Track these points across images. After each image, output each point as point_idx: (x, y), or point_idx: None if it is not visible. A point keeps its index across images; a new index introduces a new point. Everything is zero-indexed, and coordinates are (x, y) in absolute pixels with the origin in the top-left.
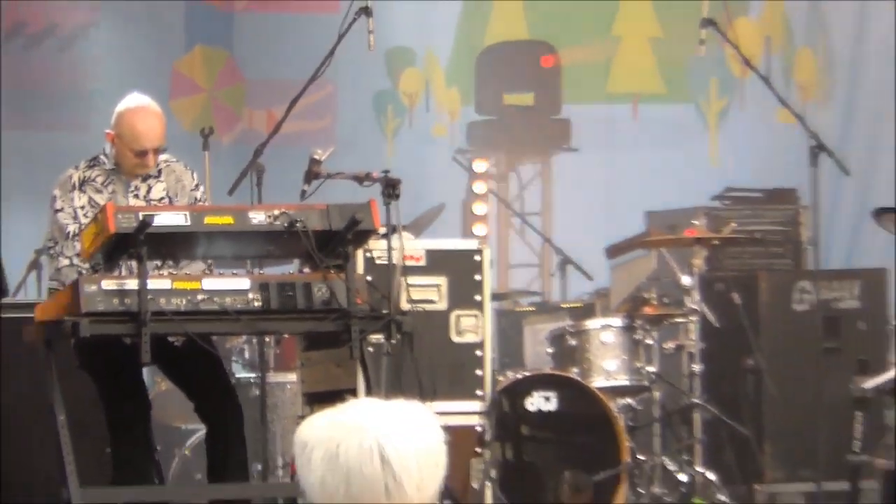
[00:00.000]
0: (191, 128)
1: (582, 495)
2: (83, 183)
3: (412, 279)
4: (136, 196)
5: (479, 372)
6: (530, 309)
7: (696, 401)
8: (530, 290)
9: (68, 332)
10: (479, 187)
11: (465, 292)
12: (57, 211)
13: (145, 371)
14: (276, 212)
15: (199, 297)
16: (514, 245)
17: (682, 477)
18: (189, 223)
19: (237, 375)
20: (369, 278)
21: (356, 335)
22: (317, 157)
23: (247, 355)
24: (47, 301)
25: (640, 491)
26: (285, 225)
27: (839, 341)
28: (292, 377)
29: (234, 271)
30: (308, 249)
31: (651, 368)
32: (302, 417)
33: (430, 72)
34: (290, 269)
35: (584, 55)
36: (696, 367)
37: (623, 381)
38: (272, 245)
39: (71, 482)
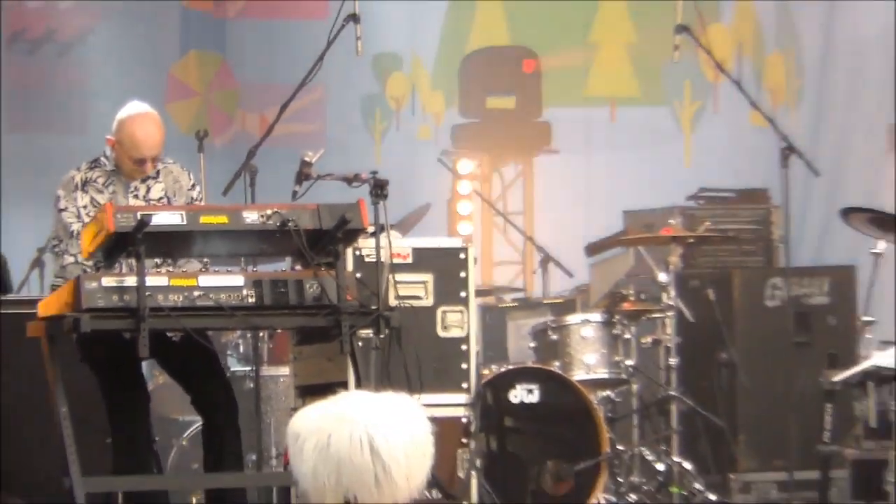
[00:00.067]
0: (186, 130)
1: (563, 484)
2: (85, 183)
3: (399, 276)
4: (136, 196)
5: (464, 365)
6: (513, 305)
7: (673, 393)
8: (513, 286)
9: (70, 328)
10: (464, 187)
11: (450, 289)
12: (61, 210)
13: (144, 365)
14: (269, 211)
15: (196, 293)
16: (498, 243)
17: (660, 466)
18: (185, 222)
19: (232, 369)
20: (358, 275)
21: (346, 330)
22: (307, 158)
23: (241, 350)
24: (49, 297)
25: (620, 480)
26: (278, 224)
27: (809, 336)
28: (285, 371)
29: (229, 269)
30: (299, 248)
31: (629, 362)
32: (295, 409)
33: (415, 76)
34: (282, 266)
35: (563, 60)
36: (673, 361)
37: (602, 374)
38: (265, 243)
39: (73, 471)
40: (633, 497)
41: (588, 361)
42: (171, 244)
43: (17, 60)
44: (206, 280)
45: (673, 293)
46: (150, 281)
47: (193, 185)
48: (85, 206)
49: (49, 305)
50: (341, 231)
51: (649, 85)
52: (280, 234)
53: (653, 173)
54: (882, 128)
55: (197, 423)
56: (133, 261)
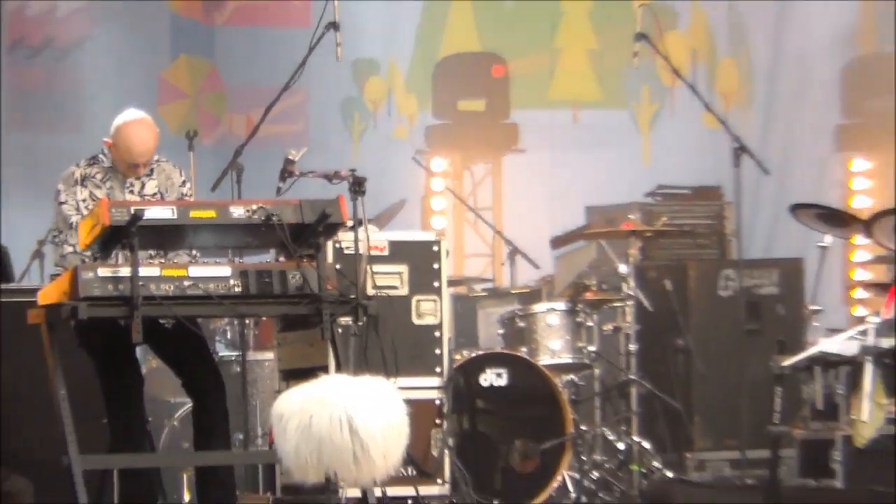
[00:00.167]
0: (177, 131)
1: (530, 462)
2: (84, 179)
3: (377, 267)
4: (132, 192)
5: (437, 351)
6: (483, 294)
7: (632, 377)
8: (483, 277)
9: (68, 315)
10: (437, 185)
11: (424, 279)
12: (61, 203)
13: (138, 350)
14: (254, 206)
15: (186, 283)
16: (468, 237)
17: (620, 445)
18: (176, 217)
19: (220, 354)
20: (338, 266)
21: (327, 318)
22: (291, 157)
23: (229, 336)
24: (48, 286)
25: (583, 458)
26: (262, 218)
27: (760, 324)
28: (270, 356)
29: (217, 260)
30: (283, 240)
31: (592, 348)
32: (279, 392)
33: (391, 81)
34: (267, 258)
35: (529, 66)
36: (632, 347)
37: (567, 359)
38: (251, 236)
39: (71, 450)
40: (595, 474)
41: (553, 347)
42: (163, 237)
43: (18, 65)
44: (195, 271)
45: (632, 283)
46: (144, 271)
47: (184, 182)
48: (84, 200)
49: (48, 294)
50: (322, 225)
51: (610, 89)
52: (265, 228)
53: (613, 171)
54: (828, 129)
55: (187, 404)
56: (127, 252)
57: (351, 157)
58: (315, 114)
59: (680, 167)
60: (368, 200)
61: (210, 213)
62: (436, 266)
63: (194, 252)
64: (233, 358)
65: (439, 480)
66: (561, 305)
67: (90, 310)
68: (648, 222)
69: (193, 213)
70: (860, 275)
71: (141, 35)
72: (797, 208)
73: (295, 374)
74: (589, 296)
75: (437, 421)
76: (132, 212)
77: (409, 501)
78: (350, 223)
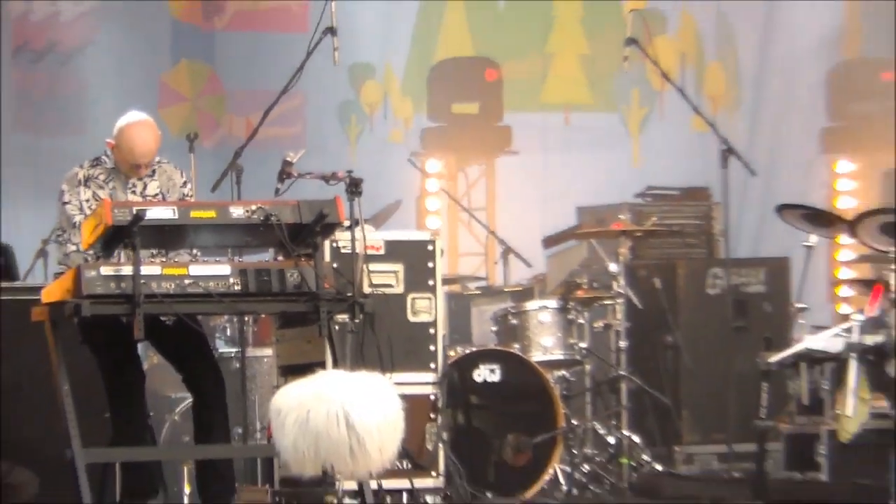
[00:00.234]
0: (178, 133)
1: (523, 456)
2: (87, 179)
3: (373, 266)
4: (134, 192)
5: (432, 347)
6: (477, 292)
7: (623, 373)
8: (477, 275)
9: (71, 313)
10: (432, 185)
11: (419, 278)
12: (65, 203)
13: (139, 346)
14: (254, 207)
15: (187, 281)
16: (463, 236)
17: (611, 439)
18: (177, 217)
19: (220, 350)
20: (335, 265)
21: (324, 315)
22: (289, 159)
23: (228, 332)
24: (52, 285)
25: (574, 451)
26: (261, 218)
27: (747, 321)
28: (268, 352)
29: (217, 259)
30: (281, 240)
31: (583, 344)
32: (277, 387)
33: (387, 84)
34: (265, 257)
35: (522, 70)
36: (622, 344)
37: (558, 355)
38: (250, 236)
39: (74, 443)
40: (586, 467)
41: (545, 344)
42: (164, 236)
43: (22, 69)
44: (195, 269)
45: (622, 282)
46: (145, 270)
47: (185, 183)
48: (87, 200)
49: (52, 292)
50: (319, 225)
51: (600, 92)
52: (263, 228)
53: (604, 173)
54: (814, 132)
55: (188, 399)
56: (129, 251)
57: (348, 159)
58: (313, 117)
59: (669, 169)
60: (365, 201)
61: (210, 214)
62: (430, 265)
63: (195, 251)
64: (232, 354)
65: (434, 473)
66: (553, 303)
67: (93, 307)
68: (638, 222)
69: (194, 214)
70: (845, 273)
71: (142, 39)
72: (783, 209)
73: (293, 370)
74: (580, 294)
75: (432, 415)
76: (134, 212)
77: (405, 494)
78: (347, 223)
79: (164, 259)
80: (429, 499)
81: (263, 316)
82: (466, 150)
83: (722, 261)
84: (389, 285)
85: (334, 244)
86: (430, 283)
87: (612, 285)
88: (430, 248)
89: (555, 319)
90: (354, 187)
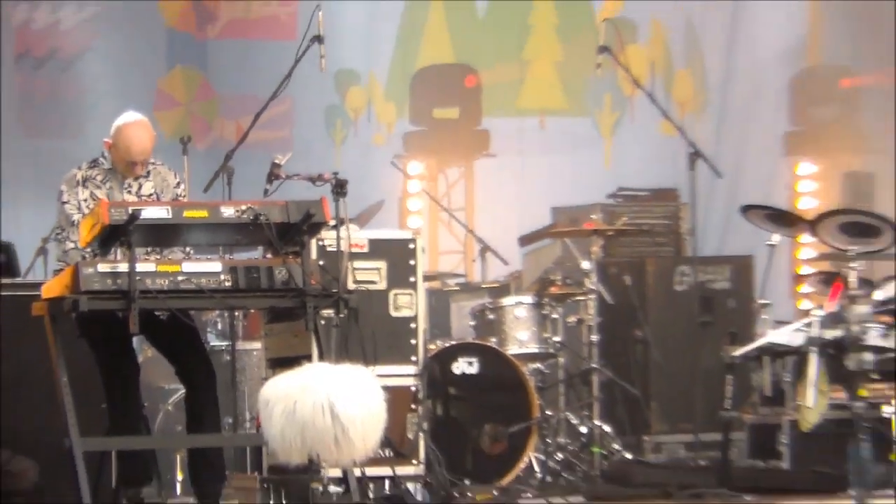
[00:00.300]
0: (172, 136)
1: (499, 444)
2: (85, 180)
3: (357, 263)
4: (130, 192)
5: (413, 341)
6: (456, 288)
7: (594, 365)
8: (456, 272)
9: (70, 308)
10: (413, 187)
11: (401, 274)
12: (64, 203)
13: (134, 340)
14: (244, 207)
15: (180, 278)
16: (442, 235)
17: (583, 429)
18: (171, 216)
19: (211, 344)
20: (321, 263)
21: (310, 310)
22: (277, 161)
23: (219, 327)
24: (51, 281)
25: (548, 441)
26: (251, 218)
27: (713, 316)
28: (257, 345)
29: (209, 256)
30: (270, 238)
31: (556, 338)
32: (265, 379)
33: (371, 90)
34: (255, 254)
35: (499, 76)
36: (594, 338)
37: (533, 348)
38: (240, 235)
39: (72, 433)
40: (559, 456)
41: (521, 338)
42: (158, 235)
43: (25, 75)
44: (188, 266)
45: (594, 279)
46: (140, 267)
47: (178, 184)
48: (85, 200)
49: (51, 288)
50: (306, 224)
51: (574, 97)
52: (253, 227)
53: (577, 175)
54: (777, 136)
55: (180, 390)
56: (125, 249)
57: (333, 162)
58: (300, 121)
59: (639, 171)
60: (349, 201)
61: (202, 213)
62: (412, 262)
63: (188, 249)
64: (223, 347)
65: (414, 461)
66: (528, 299)
67: (90, 302)
68: (610, 222)
69: (187, 213)
70: (806, 271)
71: (139, 47)
72: (747, 209)
73: (281, 363)
74: (554, 290)
75: (413, 406)
76: (130, 211)
77: (387, 481)
78: (332, 222)
79: (158, 257)
80: (410, 485)
81: (253, 311)
82: (446, 153)
83: (689, 259)
84: (373, 282)
85: (320, 242)
86: (412, 279)
87: (585, 282)
88: (411, 246)
89: (530, 314)
90: (340, 188)
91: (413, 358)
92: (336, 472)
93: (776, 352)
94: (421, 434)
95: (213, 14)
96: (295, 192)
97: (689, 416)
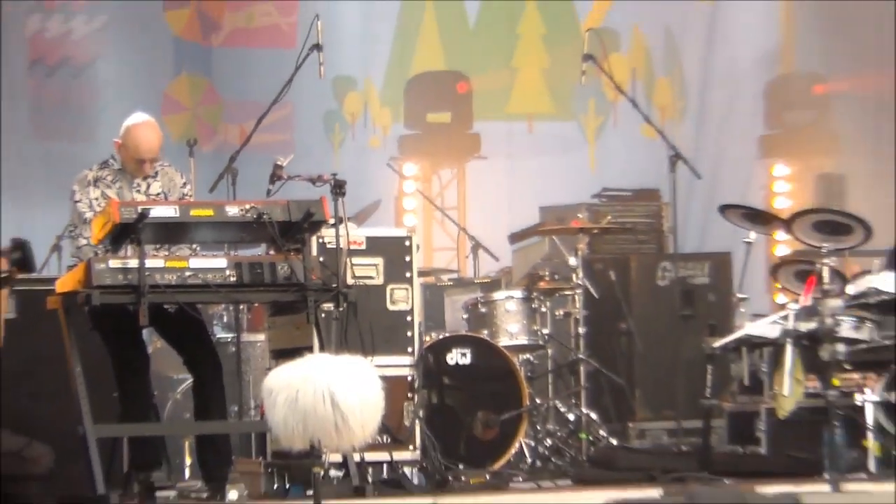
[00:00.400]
0: (179, 139)
1: (491, 431)
2: (97, 180)
3: (355, 260)
4: (139, 192)
5: (409, 333)
6: (449, 283)
7: (581, 356)
8: (449, 268)
9: (83, 301)
10: (408, 187)
11: (397, 270)
12: (76, 202)
13: (144, 332)
14: (247, 206)
15: (187, 273)
16: (436, 233)
17: (571, 416)
18: (178, 215)
19: (218, 336)
20: (321, 259)
21: (311, 304)
22: (279, 163)
23: (225, 319)
24: (65, 276)
25: (538, 427)
26: (254, 217)
27: (693, 310)
28: (261, 337)
29: (215, 253)
30: (273, 236)
31: (545, 331)
32: (269, 369)
33: (368, 96)
34: (258, 251)
35: (489, 82)
36: (581, 330)
37: (523, 340)
38: (244, 232)
39: (86, 420)
40: (548, 442)
41: (511, 330)
42: (167, 233)
43: (38, 81)
44: (195, 262)
45: (581, 274)
46: (150, 263)
47: (185, 184)
48: (96, 199)
49: (65, 283)
50: (307, 222)
51: (561, 103)
52: (256, 225)
53: (564, 176)
54: (753, 139)
55: (188, 380)
56: (135, 246)
57: (332, 163)
58: (300, 124)
59: (622, 172)
60: (348, 201)
61: (208, 212)
62: (407, 258)
63: (194, 246)
64: (229, 339)
65: (411, 447)
66: (518, 293)
67: (102, 297)
68: (595, 220)
69: (194, 212)
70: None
71: (147, 55)
72: (725, 208)
73: (283, 354)
74: (543, 285)
75: (409, 395)
76: (139, 210)
77: (385, 465)
78: (332, 221)
79: (166, 253)
80: (406, 470)
81: (256, 304)
82: (440, 156)
83: (670, 255)
84: (370, 277)
85: (320, 240)
86: (407, 275)
87: (572, 277)
88: (406, 243)
89: (520, 308)
90: (339, 188)
91: (409, 349)
92: (336, 458)
93: (754, 343)
94: (417, 421)
95: (217, 24)
96: (296, 192)
97: (671, 404)
